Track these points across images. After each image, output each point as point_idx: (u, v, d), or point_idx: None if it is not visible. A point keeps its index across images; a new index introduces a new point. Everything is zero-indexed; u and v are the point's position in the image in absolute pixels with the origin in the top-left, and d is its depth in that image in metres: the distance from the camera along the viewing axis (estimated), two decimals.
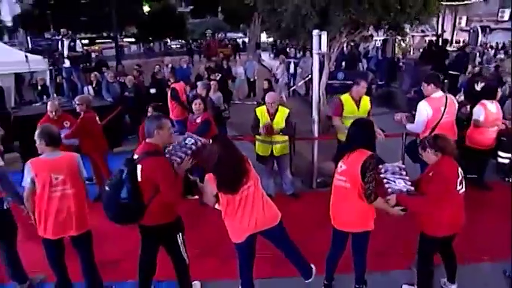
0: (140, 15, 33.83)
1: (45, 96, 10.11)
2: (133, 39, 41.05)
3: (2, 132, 4.87)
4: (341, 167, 3.22)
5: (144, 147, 3.16)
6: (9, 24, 36.50)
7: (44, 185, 3.25)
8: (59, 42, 8.66)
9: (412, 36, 14.62)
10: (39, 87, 11.07)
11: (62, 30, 8.64)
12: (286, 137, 5.44)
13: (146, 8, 36.19)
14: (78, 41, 8.81)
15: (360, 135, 3.23)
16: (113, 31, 21.83)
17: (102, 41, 35.10)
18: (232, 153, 3.07)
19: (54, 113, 5.49)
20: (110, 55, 23.99)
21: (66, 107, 7.54)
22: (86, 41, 29.66)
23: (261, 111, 5.33)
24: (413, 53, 14.89)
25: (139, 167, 2.99)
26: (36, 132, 3.40)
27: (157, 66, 10.66)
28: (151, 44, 43.51)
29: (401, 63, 14.50)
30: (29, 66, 9.20)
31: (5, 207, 3.59)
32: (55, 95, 9.59)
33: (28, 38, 34.54)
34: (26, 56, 9.24)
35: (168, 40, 43.60)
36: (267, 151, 5.43)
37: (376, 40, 14.65)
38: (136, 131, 6.00)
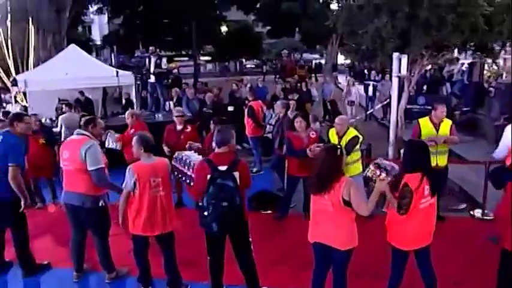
0: (218, 34, 35.81)
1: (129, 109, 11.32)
2: (209, 58, 43.35)
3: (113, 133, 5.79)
4: (426, 189, 3.40)
5: (228, 156, 3.67)
6: (98, 42, 40.75)
7: (144, 187, 3.83)
8: (147, 59, 9.75)
9: (504, 59, 13.87)
10: (124, 101, 12.40)
11: (150, 48, 9.76)
12: (357, 157, 5.63)
13: (224, 28, 38.18)
14: (163, 59, 9.84)
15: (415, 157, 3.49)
16: (192, 50, 23.50)
17: (180, 58, 37.69)
18: (324, 159, 3.40)
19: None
20: (186, 73, 25.79)
21: (149, 120, 8.51)
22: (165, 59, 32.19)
23: (332, 133, 5.64)
24: (505, 77, 14.11)
25: (236, 174, 3.52)
26: (135, 139, 4.05)
27: (235, 85, 11.43)
28: (227, 63, 45.69)
29: (490, 88, 13.81)
30: (118, 81, 10.38)
31: (100, 205, 4.26)
32: (139, 108, 10.72)
33: (112, 54, 38.21)
34: (117, 72, 10.45)
35: (244, 60, 45.51)
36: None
37: (462, 63, 14.18)
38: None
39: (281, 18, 31.41)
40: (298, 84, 14.12)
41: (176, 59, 38.82)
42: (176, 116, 6.39)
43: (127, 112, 6.82)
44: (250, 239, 3.88)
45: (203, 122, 9.16)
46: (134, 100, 11.86)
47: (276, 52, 43.01)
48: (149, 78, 9.70)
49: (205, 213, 3.50)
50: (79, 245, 4.45)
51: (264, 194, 6.45)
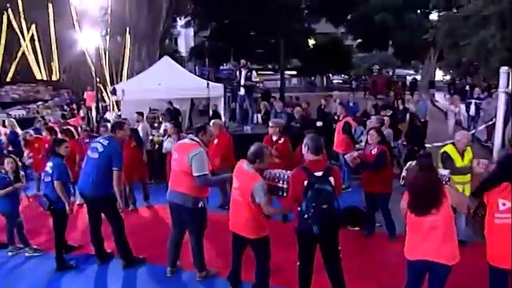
0: (305, 48, 36.38)
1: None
2: (294, 72, 44.11)
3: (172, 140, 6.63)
4: (504, 204, 3.48)
5: (320, 162, 4.08)
6: (184, 54, 43.72)
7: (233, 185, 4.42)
8: (237, 72, 10.50)
9: None
10: (211, 112, 13.32)
11: (242, 61, 10.50)
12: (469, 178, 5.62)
13: (311, 41, 38.69)
14: (253, 72, 10.53)
15: None
16: (278, 63, 24.35)
17: (263, 72, 38.95)
18: (428, 177, 3.63)
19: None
20: (270, 87, 26.70)
21: (237, 132, 9.16)
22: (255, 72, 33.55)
23: (452, 150, 5.60)
24: None
25: (331, 179, 3.91)
26: None
27: (324, 100, 11.78)
28: (313, 78, 46.17)
29: None
30: (209, 92, 11.27)
31: (200, 206, 4.82)
32: (228, 120, 11.50)
33: (197, 67, 40.86)
34: (208, 83, 11.37)
35: (331, 74, 45.71)
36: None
37: None
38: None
39: (373, 31, 31.17)
40: (395, 102, 14.03)
41: (260, 72, 40.28)
42: (271, 127, 6.92)
43: (212, 122, 7.36)
44: (339, 248, 4.19)
45: (291, 136, 9.63)
46: (222, 112, 12.75)
47: (366, 67, 42.59)
48: (239, 90, 10.42)
49: (306, 216, 3.87)
50: (176, 242, 5.08)
51: (352, 210, 6.68)
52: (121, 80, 18.78)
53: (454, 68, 29.56)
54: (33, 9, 19.66)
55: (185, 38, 48.90)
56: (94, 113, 15.18)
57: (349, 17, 35.22)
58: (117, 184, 5.12)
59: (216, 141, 6.72)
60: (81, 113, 15.50)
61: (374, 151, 6.01)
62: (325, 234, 3.95)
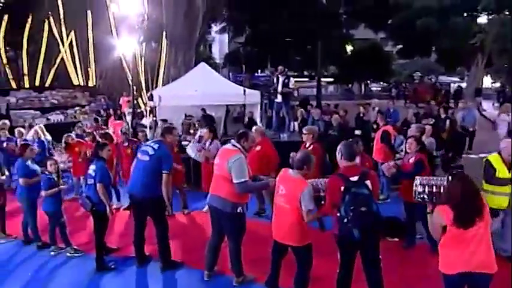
0: (342, 54, 36.31)
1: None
2: (331, 79, 44.02)
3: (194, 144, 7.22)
4: None
5: (356, 168, 4.27)
6: (218, 61, 44.54)
7: (276, 192, 4.59)
8: (275, 78, 10.69)
9: None
10: (247, 119, 13.54)
11: (279, 67, 10.70)
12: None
13: (349, 47, 38.51)
14: (291, 78, 10.70)
15: None
16: (315, 70, 24.45)
17: (298, 79, 39.09)
18: (469, 188, 3.68)
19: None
20: (306, 94, 26.81)
21: (274, 139, 9.33)
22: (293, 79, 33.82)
23: (496, 160, 5.57)
24: None
25: (368, 182, 4.05)
26: None
27: (362, 108, 11.81)
28: (350, 85, 45.92)
29: None
30: (245, 99, 11.52)
31: (238, 211, 4.99)
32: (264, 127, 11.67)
33: (230, 73, 41.55)
34: (244, 90, 11.62)
35: (369, 82, 45.31)
36: (499, 203, 5.56)
37: None
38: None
39: (415, 36, 30.69)
40: (442, 110, 13.80)
41: (296, 79, 40.44)
42: (304, 134, 7.09)
43: (254, 129, 7.56)
44: (380, 257, 4.27)
45: (328, 145, 9.72)
46: (258, 119, 12.96)
47: (407, 74, 41.98)
48: (276, 97, 10.61)
49: (345, 220, 4.00)
50: (215, 247, 5.29)
51: (391, 220, 6.70)
52: (156, 86, 19.39)
53: (504, 74, 28.79)
54: (72, 17, 20.62)
55: (219, 44, 49.87)
56: (129, 118, 15.70)
57: (389, 22, 34.83)
58: (166, 187, 5.40)
59: (258, 147, 6.92)
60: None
61: (412, 160, 6.05)
62: (366, 238, 4.04)
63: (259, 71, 33.77)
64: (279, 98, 10.57)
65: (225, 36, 44.16)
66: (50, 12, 20.62)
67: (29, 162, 6.58)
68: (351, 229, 4.00)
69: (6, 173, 7.10)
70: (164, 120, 10.92)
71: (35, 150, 7.02)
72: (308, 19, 26.32)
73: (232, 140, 5.19)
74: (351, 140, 6.23)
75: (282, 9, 26.11)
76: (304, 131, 7.23)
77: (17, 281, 5.68)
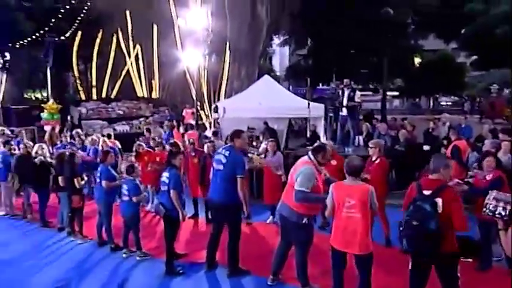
0: (409, 66, 35.44)
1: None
2: (396, 93, 43.14)
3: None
4: None
5: (433, 182, 4.34)
6: (278, 73, 45.13)
7: (338, 204, 4.75)
8: (340, 92, 10.92)
9: None
10: (310, 133, 13.82)
11: (345, 80, 10.92)
12: None
13: (417, 59, 37.51)
14: (357, 92, 10.88)
15: None
16: (381, 83, 24.22)
17: (364, 92, 38.64)
18: None
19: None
20: (370, 108, 26.47)
21: (339, 153, 9.53)
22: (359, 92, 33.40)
23: None
24: None
25: (439, 200, 4.13)
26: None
27: (432, 123, 11.74)
28: (417, 100, 44.77)
29: None
30: (309, 113, 11.82)
31: (304, 222, 5.27)
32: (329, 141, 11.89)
33: (290, 86, 41.89)
34: (309, 104, 11.93)
35: (438, 95, 43.95)
36: None
37: None
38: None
39: (492, 46, 29.40)
40: None
41: (359, 93, 40.02)
42: (370, 147, 7.30)
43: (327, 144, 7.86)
44: (458, 275, 4.34)
45: (395, 160, 9.74)
46: (321, 133, 13.20)
47: (482, 86, 40.26)
48: (341, 111, 10.81)
49: (401, 228, 4.27)
50: (282, 253, 5.62)
51: (464, 240, 6.67)
52: (218, 98, 20.12)
53: None
54: (139, 31, 21.94)
55: (280, 56, 50.60)
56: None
57: (462, 31, 33.61)
58: (241, 190, 5.82)
59: (334, 162, 7.15)
60: (181, 130, 16.85)
61: (489, 177, 6.01)
62: (413, 250, 4.22)
63: (320, 84, 33.67)
64: (344, 112, 10.77)
65: (286, 49, 44.71)
66: (119, 27, 22.08)
67: (110, 168, 7.30)
68: (401, 238, 4.26)
69: (85, 178, 7.86)
70: (215, 132, 11.47)
71: (113, 157, 7.75)
72: (374, 30, 26.11)
73: (309, 152, 5.47)
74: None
75: (347, 20, 26.09)
76: (371, 145, 7.39)
77: (92, 280, 6.27)
